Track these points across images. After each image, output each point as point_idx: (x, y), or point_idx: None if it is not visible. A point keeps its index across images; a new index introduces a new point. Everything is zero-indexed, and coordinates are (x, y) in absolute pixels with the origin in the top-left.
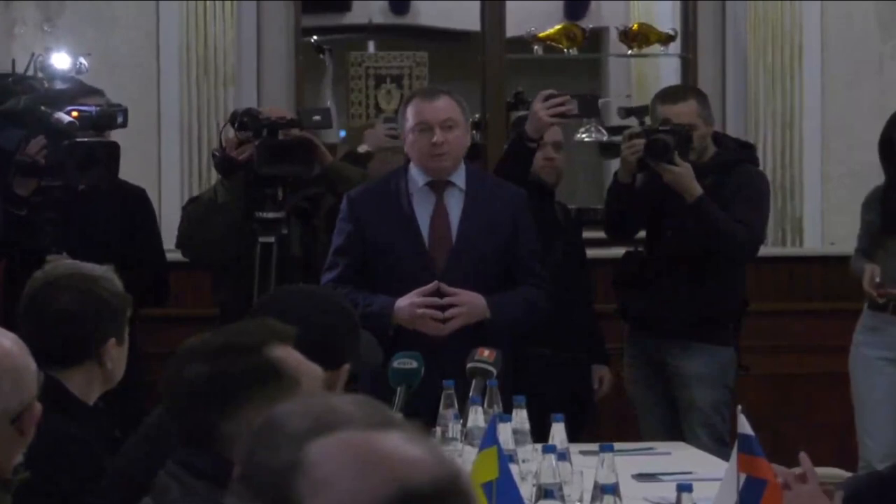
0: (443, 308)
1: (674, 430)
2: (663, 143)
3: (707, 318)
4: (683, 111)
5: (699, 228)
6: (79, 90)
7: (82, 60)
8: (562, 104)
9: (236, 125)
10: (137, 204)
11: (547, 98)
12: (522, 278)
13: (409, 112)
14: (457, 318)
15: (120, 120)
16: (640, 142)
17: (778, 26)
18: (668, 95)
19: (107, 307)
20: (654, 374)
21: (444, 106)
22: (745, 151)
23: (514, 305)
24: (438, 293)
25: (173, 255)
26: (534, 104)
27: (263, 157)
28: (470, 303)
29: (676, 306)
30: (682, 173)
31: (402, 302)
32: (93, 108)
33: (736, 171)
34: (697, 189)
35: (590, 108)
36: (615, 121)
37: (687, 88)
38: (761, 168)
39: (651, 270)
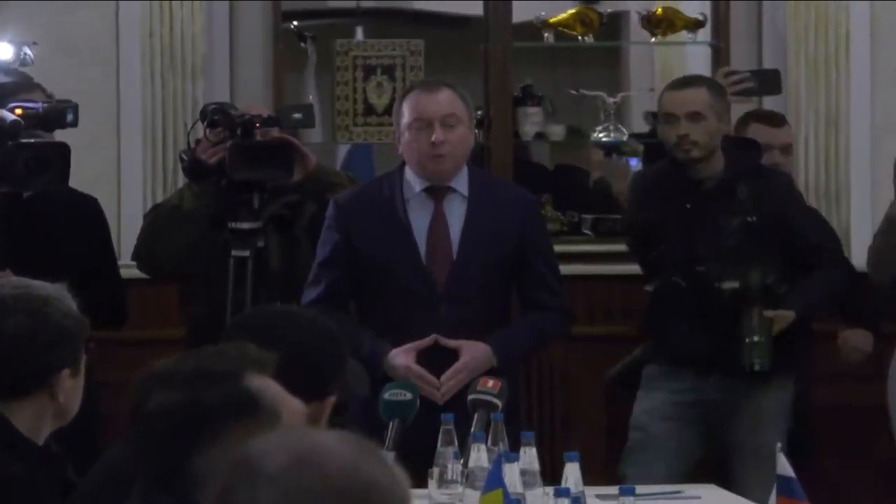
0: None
1: (703, 473)
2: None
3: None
4: (690, 98)
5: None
6: (23, 84)
7: (27, 50)
8: (741, 81)
9: (206, 123)
10: (89, 214)
11: (727, 75)
12: (535, 294)
13: (406, 107)
14: (455, 385)
15: (70, 118)
16: None
17: (821, 11)
18: (677, 81)
19: (60, 332)
20: (696, 413)
21: (445, 100)
22: (754, 150)
23: (524, 340)
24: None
25: (131, 269)
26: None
27: (237, 159)
28: (472, 361)
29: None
30: (788, 318)
31: (398, 360)
32: (39, 105)
33: (765, 175)
34: (792, 316)
35: (771, 85)
36: (636, 117)
37: (701, 76)
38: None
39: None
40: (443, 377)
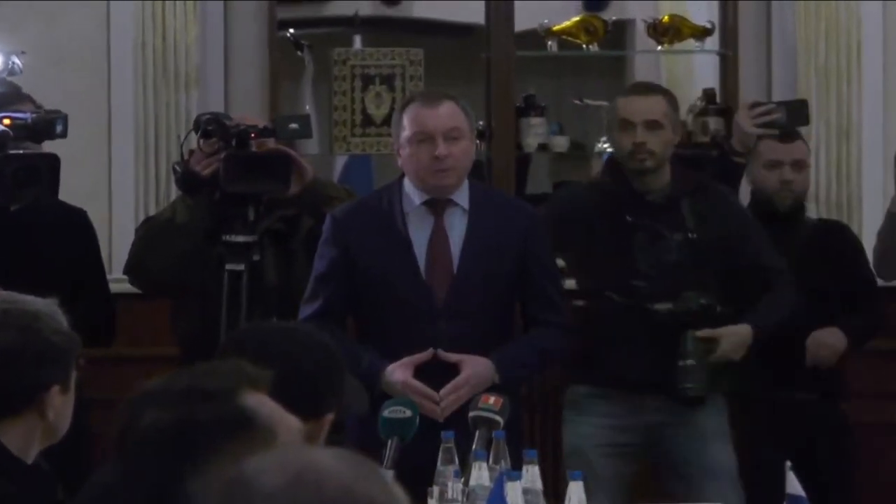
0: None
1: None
2: None
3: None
4: (649, 106)
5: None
6: (11, 94)
7: (15, 59)
8: (768, 113)
9: (200, 133)
10: (77, 227)
11: (752, 106)
12: (537, 310)
13: (407, 119)
14: (456, 402)
15: (59, 128)
16: None
17: (833, 19)
18: (634, 87)
19: (50, 348)
20: (633, 435)
21: (448, 113)
22: (704, 168)
23: (526, 358)
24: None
25: (123, 284)
26: (737, 114)
27: (231, 171)
28: (473, 377)
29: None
30: (732, 336)
31: (395, 375)
32: (28, 115)
33: (711, 192)
34: (746, 334)
35: (799, 117)
36: None
37: (657, 84)
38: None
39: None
40: (442, 391)
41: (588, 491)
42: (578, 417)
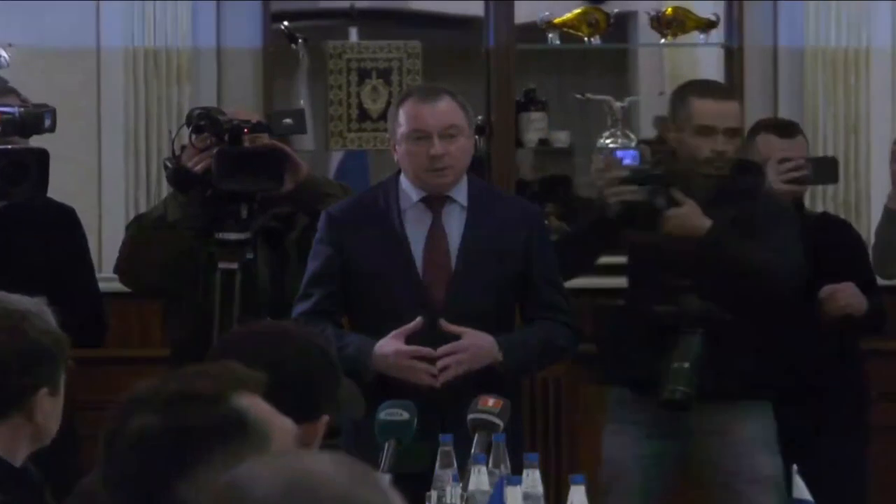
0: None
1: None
2: (648, 209)
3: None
4: (731, 112)
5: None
6: None
7: (2, 52)
8: (796, 169)
9: (192, 129)
10: (65, 225)
11: (781, 161)
12: (540, 314)
13: (403, 116)
14: (454, 367)
15: (48, 123)
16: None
17: (841, 11)
18: (710, 88)
19: (38, 350)
20: (672, 445)
21: (445, 109)
22: (757, 172)
23: (530, 347)
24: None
25: (113, 283)
26: (766, 167)
27: (223, 168)
28: (474, 346)
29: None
30: (688, 214)
31: (385, 347)
32: (15, 110)
33: (762, 196)
34: (706, 222)
35: (827, 174)
36: (645, 123)
37: (727, 86)
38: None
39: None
40: (440, 350)
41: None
42: (616, 426)
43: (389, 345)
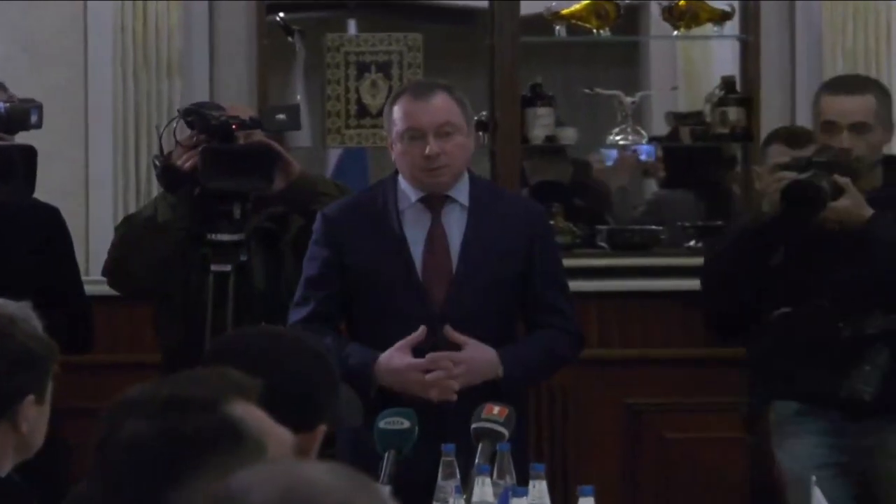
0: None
1: None
2: (814, 190)
3: None
4: (857, 107)
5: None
6: None
7: None
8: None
9: (178, 125)
10: (48, 226)
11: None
12: (542, 318)
13: (397, 113)
14: (455, 381)
15: (34, 119)
16: (788, 176)
17: (858, 4)
18: (837, 83)
19: (25, 355)
20: (849, 460)
21: (439, 106)
22: None
23: (532, 359)
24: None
25: (101, 286)
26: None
27: (209, 166)
28: (474, 359)
29: None
30: (851, 207)
31: (394, 361)
32: (1, 105)
33: None
34: (868, 210)
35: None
36: (657, 119)
37: (868, 79)
38: None
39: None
40: (436, 355)
41: None
42: (791, 439)
43: (397, 358)
